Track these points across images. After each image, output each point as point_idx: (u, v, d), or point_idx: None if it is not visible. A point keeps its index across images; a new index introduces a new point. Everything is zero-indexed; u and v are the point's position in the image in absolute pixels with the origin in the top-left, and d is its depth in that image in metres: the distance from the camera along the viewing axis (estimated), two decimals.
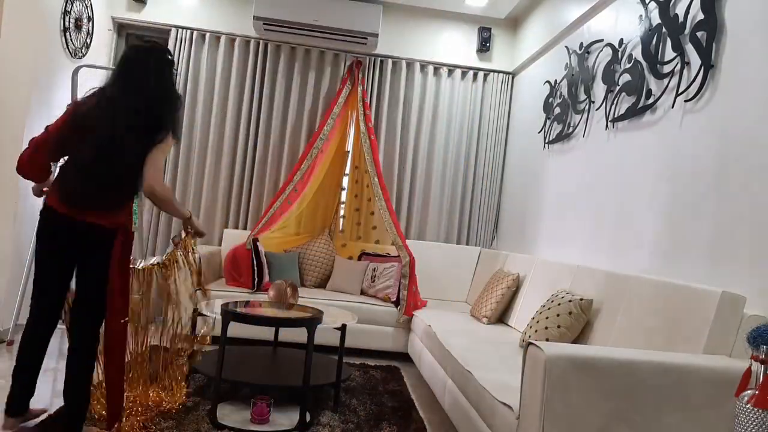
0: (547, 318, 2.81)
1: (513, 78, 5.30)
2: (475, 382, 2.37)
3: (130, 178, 2.26)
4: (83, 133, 2.18)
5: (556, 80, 4.22)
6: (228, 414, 2.81)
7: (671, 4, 2.81)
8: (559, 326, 2.72)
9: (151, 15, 4.95)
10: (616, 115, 3.25)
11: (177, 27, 4.94)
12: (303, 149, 5.02)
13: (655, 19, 2.92)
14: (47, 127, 2.28)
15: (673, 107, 2.73)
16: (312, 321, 2.88)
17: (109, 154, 2.18)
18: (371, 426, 2.85)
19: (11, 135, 3.76)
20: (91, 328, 2.35)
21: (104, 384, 2.37)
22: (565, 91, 4.03)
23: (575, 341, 2.74)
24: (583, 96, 3.71)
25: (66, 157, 2.28)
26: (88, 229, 2.24)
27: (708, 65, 2.48)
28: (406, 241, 4.59)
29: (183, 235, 2.75)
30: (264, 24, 4.76)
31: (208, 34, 4.99)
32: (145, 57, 2.31)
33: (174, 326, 2.82)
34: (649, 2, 2.99)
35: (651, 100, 2.91)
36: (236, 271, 4.41)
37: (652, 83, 2.93)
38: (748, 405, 1.48)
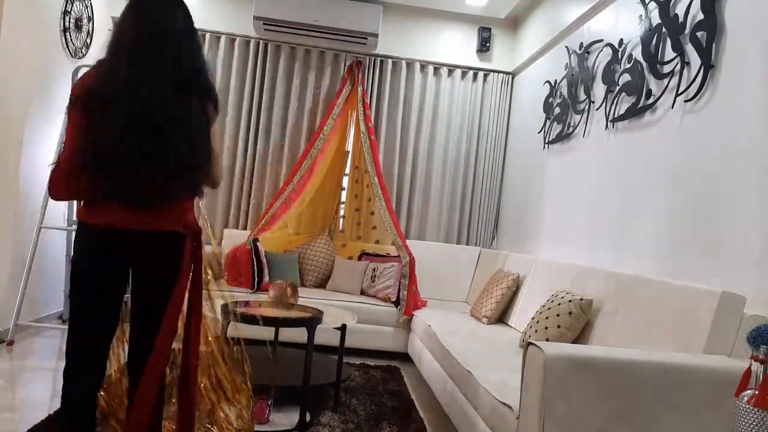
0: (547, 318, 2.81)
1: (513, 78, 5.30)
2: (475, 382, 2.37)
3: (191, 153, 1.68)
4: (106, 109, 1.62)
5: (556, 80, 4.22)
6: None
7: (671, 4, 2.81)
8: (559, 326, 2.72)
9: None
10: (616, 115, 3.25)
11: None
12: (303, 149, 5.02)
13: (655, 19, 2.92)
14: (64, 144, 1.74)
15: (673, 107, 2.73)
16: (312, 321, 2.88)
17: (151, 122, 1.62)
18: (371, 426, 2.85)
19: (11, 135, 3.76)
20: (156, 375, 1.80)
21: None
22: (565, 91, 4.04)
23: (575, 341, 2.74)
24: (583, 96, 3.71)
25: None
26: (149, 240, 1.73)
27: (708, 65, 2.48)
28: (406, 241, 4.59)
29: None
30: (264, 24, 4.76)
31: (208, 34, 4.99)
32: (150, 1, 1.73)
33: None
34: (649, 2, 2.99)
35: (651, 100, 2.91)
36: (236, 271, 4.41)
37: (652, 83, 2.93)
38: (748, 405, 1.48)
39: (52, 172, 1.70)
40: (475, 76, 5.28)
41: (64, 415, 1.77)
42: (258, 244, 4.44)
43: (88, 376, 1.77)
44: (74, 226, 4.45)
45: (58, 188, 1.70)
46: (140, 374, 1.79)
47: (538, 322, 2.86)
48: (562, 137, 3.99)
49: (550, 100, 4.28)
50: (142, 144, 1.62)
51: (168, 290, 1.78)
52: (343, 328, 3.20)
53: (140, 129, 1.62)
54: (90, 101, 1.64)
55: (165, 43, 1.69)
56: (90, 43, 4.52)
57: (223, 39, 4.99)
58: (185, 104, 1.69)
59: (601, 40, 3.54)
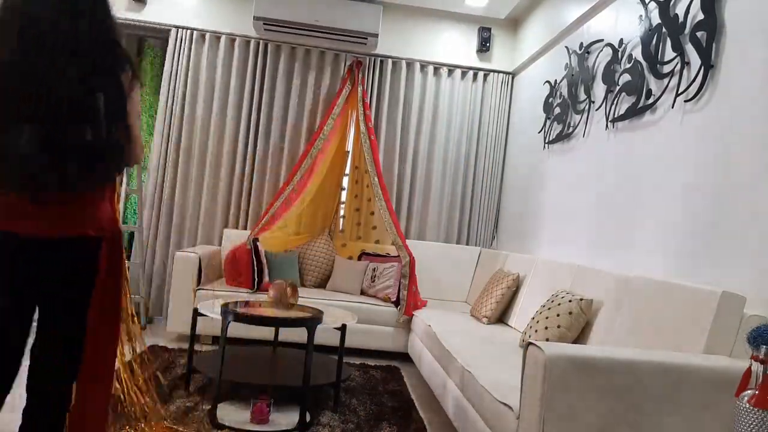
0: (547, 318, 2.81)
1: (513, 78, 5.30)
2: (475, 382, 2.37)
3: (95, 137, 1.47)
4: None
5: (556, 80, 4.22)
6: (228, 414, 2.81)
7: (671, 4, 2.81)
8: (559, 326, 2.72)
9: (151, 15, 4.95)
10: (616, 115, 3.25)
11: (177, 27, 4.94)
12: (303, 149, 5.02)
13: (655, 19, 2.92)
14: None
15: (673, 107, 2.73)
16: (312, 321, 2.88)
17: (44, 108, 1.43)
18: (371, 426, 2.85)
19: None
20: (60, 393, 1.65)
21: None
22: (565, 91, 4.03)
23: (575, 341, 2.74)
24: (583, 96, 3.71)
25: None
26: (55, 249, 1.50)
27: (708, 65, 2.48)
28: (406, 241, 4.59)
29: None
30: (264, 24, 4.76)
31: (208, 34, 4.99)
32: None
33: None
34: (649, 2, 2.99)
35: (651, 100, 2.91)
36: (236, 271, 4.41)
37: (652, 83, 2.93)
38: (748, 405, 1.48)
39: None
40: (475, 76, 5.28)
41: None
42: (258, 244, 4.44)
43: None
44: None
45: None
46: (38, 405, 1.63)
47: (538, 322, 2.86)
48: (562, 137, 3.99)
49: (550, 100, 4.28)
50: (35, 131, 1.44)
51: (76, 308, 1.58)
52: (343, 328, 3.20)
53: (32, 115, 1.44)
54: None
55: (60, 24, 1.48)
56: None
57: (223, 39, 4.99)
58: (90, 84, 1.48)
59: (601, 40, 3.54)
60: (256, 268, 4.31)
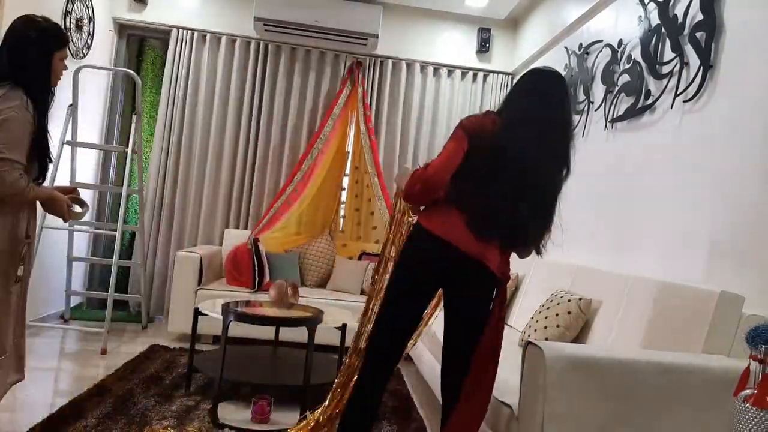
0: (546, 317, 2.81)
1: (513, 78, 5.30)
2: None
3: (543, 220, 2.06)
4: (496, 158, 1.89)
5: None
6: (229, 413, 2.81)
7: (670, 4, 2.82)
8: (558, 326, 2.73)
9: (152, 16, 4.96)
10: (615, 116, 3.26)
11: (178, 28, 4.95)
12: (303, 150, 5.03)
13: (655, 20, 2.93)
14: (429, 163, 1.96)
15: (672, 108, 2.74)
16: (312, 320, 2.89)
17: (529, 186, 1.95)
18: None
19: None
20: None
21: None
22: None
23: (574, 341, 2.75)
24: (582, 96, 3.71)
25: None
26: (477, 271, 1.94)
27: (707, 65, 2.49)
28: None
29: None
30: (264, 25, 4.76)
31: (208, 35, 5.00)
32: (555, 84, 2.02)
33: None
34: (649, 3, 3.00)
35: (650, 101, 2.91)
36: (237, 271, 4.42)
37: (651, 84, 2.93)
38: (747, 404, 1.48)
39: (415, 173, 1.94)
40: (475, 76, 5.29)
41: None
42: (259, 244, 4.45)
43: (384, 370, 2.11)
44: (75, 227, 4.45)
45: (412, 193, 1.95)
46: (453, 399, 2.05)
47: (537, 321, 2.87)
48: None
49: None
50: (516, 201, 1.92)
51: (477, 322, 2.01)
52: (343, 328, 3.20)
53: (519, 190, 1.92)
54: (478, 141, 1.89)
55: (555, 125, 1.95)
56: (91, 43, 4.53)
57: (223, 40, 5.00)
58: (554, 178, 2.00)
59: (601, 41, 3.54)
60: (256, 268, 4.32)
